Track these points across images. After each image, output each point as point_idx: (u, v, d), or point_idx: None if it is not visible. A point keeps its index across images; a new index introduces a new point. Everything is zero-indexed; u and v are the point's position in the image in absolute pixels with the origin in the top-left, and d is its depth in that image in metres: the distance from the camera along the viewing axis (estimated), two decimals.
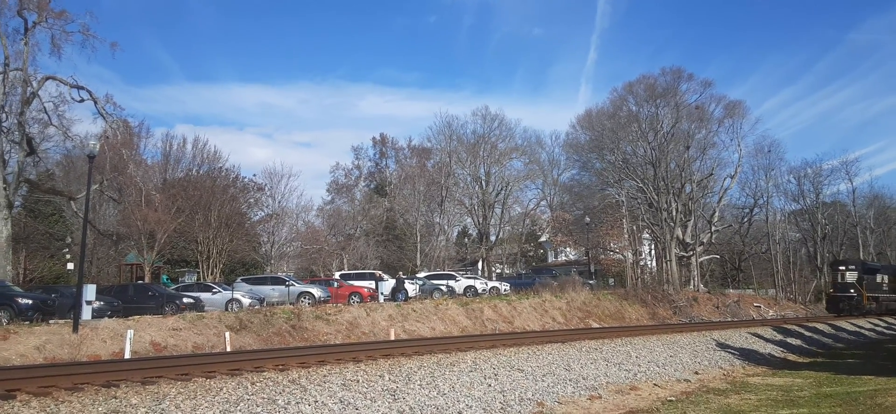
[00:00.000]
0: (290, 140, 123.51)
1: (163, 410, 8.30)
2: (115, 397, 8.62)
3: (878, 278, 46.71)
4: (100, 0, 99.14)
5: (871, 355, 23.78)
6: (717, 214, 59.91)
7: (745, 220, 68.20)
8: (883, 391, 13.42)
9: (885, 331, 38.47)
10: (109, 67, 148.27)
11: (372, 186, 72.53)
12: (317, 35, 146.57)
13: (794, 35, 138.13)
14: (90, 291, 21.18)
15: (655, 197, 55.58)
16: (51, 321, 21.09)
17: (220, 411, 8.48)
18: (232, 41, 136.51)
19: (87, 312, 20.62)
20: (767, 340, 25.14)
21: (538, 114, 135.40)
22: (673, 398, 13.29)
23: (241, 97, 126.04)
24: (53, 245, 43.21)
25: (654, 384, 14.94)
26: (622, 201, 55.53)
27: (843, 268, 44.74)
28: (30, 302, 23.43)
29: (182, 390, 9.19)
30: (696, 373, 17.13)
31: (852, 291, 42.79)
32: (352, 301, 32.03)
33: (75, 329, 18.38)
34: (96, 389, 9.10)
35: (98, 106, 35.20)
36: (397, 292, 33.28)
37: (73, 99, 34.42)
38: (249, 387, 9.67)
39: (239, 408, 8.69)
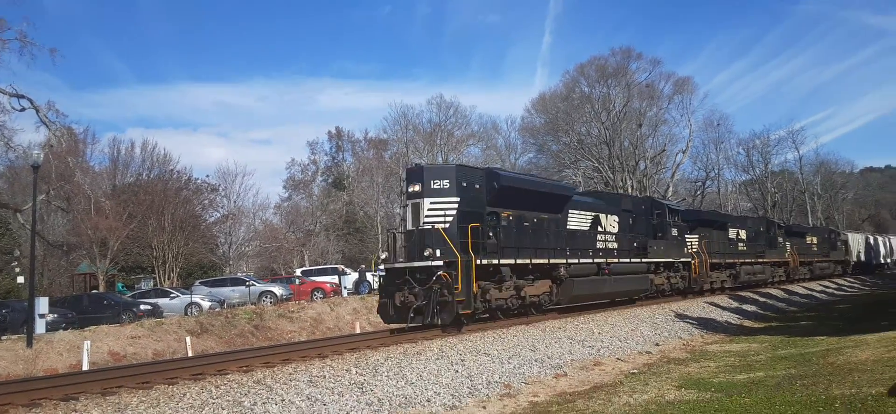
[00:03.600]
0: (248, 138, 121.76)
1: None
2: (75, 410, 8.41)
3: (578, 218, 20.58)
4: (42, 5, 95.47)
5: (823, 317, 24.65)
6: (670, 188, 61.21)
7: (699, 193, 69.91)
8: (835, 351, 13.93)
9: (835, 292, 39.84)
10: (54, 73, 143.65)
11: (329, 181, 72.03)
12: (270, 29, 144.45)
13: (743, 8, 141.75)
14: (43, 304, 20.60)
15: (611, 176, 56.48)
16: (3, 337, 20.45)
17: None
18: (183, 40, 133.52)
19: (40, 326, 20.07)
20: (724, 309, 25.83)
21: (496, 100, 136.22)
22: (635, 371, 13.57)
23: (196, 97, 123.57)
24: (1, 259, 41.78)
25: (618, 358, 15.23)
26: (579, 182, 56.24)
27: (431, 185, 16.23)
28: None
29: (144, 399, 9.02)
30: (657, 345, 17.52)
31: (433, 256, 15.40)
32: (315, 297, 31.81)
33: (29, 344, 17.89)
34: (55, 403, 8.87)
35: (40, 114, 34.15)
36: (360, 285, 33.18)
37: (13, 108, 33.36)
38: (213, 391, 9.54)
39: (204, 412, 8.56)
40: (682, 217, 28.51)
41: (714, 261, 29.84)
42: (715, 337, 19.71)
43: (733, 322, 23.40)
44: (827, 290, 40.44)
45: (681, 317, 22.19)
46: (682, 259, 26.83)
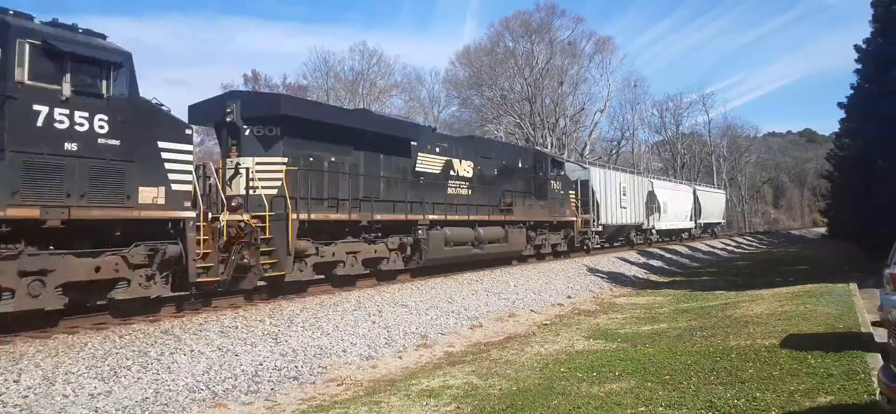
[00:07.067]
0: (161, 77, 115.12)
1: (21, 370, 7.71)
2: None
3: None
4: None
5: (722, 273, 26.12)
6: (588, 147, 62.73)
7: (614, 152, 72.02)
8: (732, 304, 14.77)
9: (735, 250, 42.32)
10: None
11: None
12: None
13: None
14: None
15: (532, 132, 57.26)
16: None
17: (87, 368, 7.99)
18: None
19: None
20: (632, 263, 26.93)
21: (424, 51, 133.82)
22: (548, 322, 13.99)
23: (106, 31, 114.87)
24: None
25: (531, 310, 15.64)
26: (501, 137, 56.75)
27: None
28: None
29: (41, 349, 8.56)
30: (569, 297, 18.09)
31: None
32: None
33: None
34: None
35: None
36: None
37: None
38: (117, 340, 9.16)
39: (107, 362, 8.22)
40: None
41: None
42: (623, 290, 20.54)
43: (640, 276, 24.44)
44: (727, 247, 42.94)
45: (592, 271, 22.98)
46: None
